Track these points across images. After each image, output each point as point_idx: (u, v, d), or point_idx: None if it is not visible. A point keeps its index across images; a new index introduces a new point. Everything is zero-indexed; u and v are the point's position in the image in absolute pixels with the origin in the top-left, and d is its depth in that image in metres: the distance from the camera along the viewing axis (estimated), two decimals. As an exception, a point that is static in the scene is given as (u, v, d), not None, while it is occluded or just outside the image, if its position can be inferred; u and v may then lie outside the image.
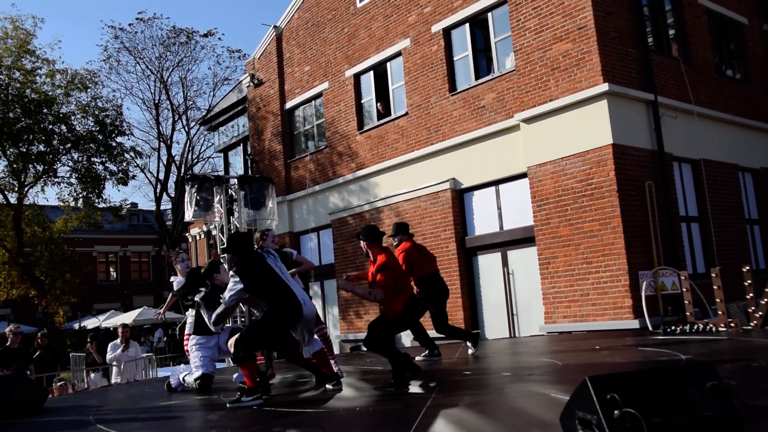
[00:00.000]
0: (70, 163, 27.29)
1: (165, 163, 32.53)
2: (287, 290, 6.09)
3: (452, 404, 5.25)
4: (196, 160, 34.40)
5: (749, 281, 9.65)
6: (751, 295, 9.65)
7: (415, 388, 6.19)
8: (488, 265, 13.78)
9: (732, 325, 9.75)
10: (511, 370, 7.32)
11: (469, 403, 5.28)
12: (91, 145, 27.09)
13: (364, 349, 9.16)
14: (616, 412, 2.93)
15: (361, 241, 6.87)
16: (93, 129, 27.31)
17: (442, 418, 4.67)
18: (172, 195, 33.05)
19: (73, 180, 27.46)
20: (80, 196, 28.17)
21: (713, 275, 10.04)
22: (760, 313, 9.49)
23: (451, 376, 7.15)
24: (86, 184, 27.33)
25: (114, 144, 27.95)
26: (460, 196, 14.31)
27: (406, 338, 14.67)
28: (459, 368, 7.88)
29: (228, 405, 6.01)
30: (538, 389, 5.60)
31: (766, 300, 9.42)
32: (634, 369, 4.40)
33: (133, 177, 31.01)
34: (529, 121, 12.47)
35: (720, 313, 9.90)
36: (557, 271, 11.90)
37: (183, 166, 32.64)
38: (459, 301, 13.78)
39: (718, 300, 9.94)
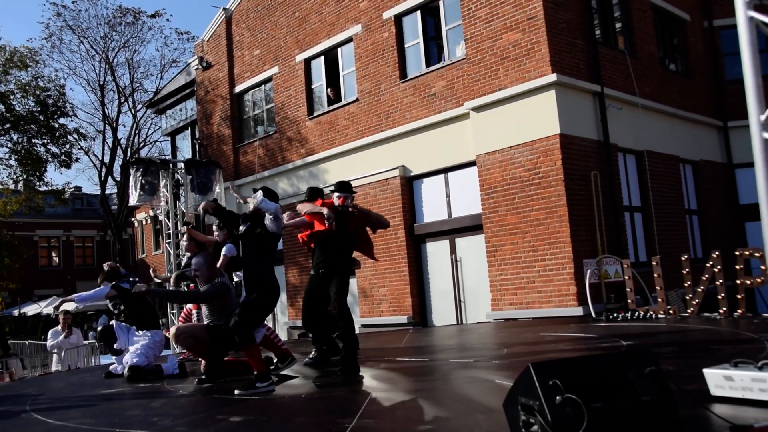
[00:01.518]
0: (9, 145, 26.36)
1: (110, 146, 31.70)
2: (272, 266, 6.04)
3: (398, 391, 5.25)
4: (142, 144, 33.62)
5: (687, 269, 9.92)
6: (688, 283, 9.93)
7: (360, 375, 6.17)
8: (436, 252, 13.84)
9: (671, 312, 10.02)
10: (457, 356, 7.36)
11: (415, 389, 5.29)
12: (31, 126, 26.21)
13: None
14: (558, 397, 2.96)
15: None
16: (34, 109, 26.41)
17: (387, 404, 4.66)
18: (118, 179, 32.22)
19: (12, 162, 26.55)
20: (20, 178, 27.28)
21: (654, 264, 10.29)
22: (697, 300, 9.77)
23: (397, 363, 7.15)
24: (27, 167, 26.47)
25: (56, 125, 27.10)
26: (409, 184, 14.31)
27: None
28: (405, 355, 7.89)
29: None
30: (483, 375, 5.64)
31: (702, 288, 9.71)
32: (576, 355, 4.47)
33: (77, 160, 30.15)
34: (478, 109, 12.53)
35: (660, 300, 10.16)
36: (504, 259, 12.02)
37: (129, 149, 31.85)
38: (407, 288, 13.81)
39: (658, 288, 10.19)
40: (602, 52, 12.72)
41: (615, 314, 10.28)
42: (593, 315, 10.62)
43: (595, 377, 3.17)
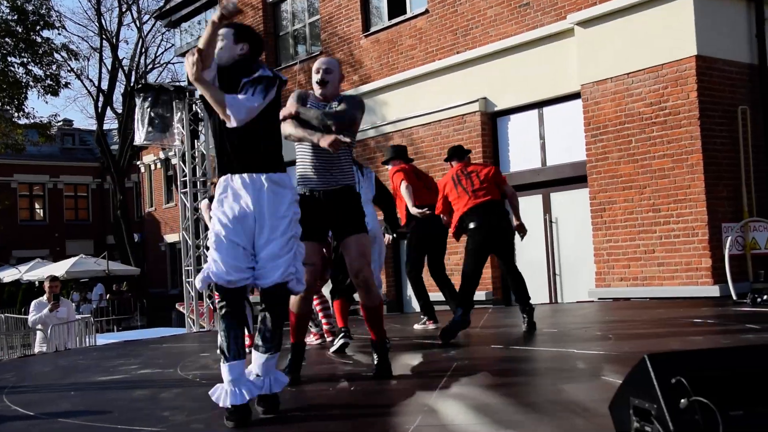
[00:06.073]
0: (-22, 65, 27.05)
1: (109, 68, 32.35)
2: None
3: (473, 385, 5.32)
4: (150, 66, 34.26)
5: None
6: None
7: (427, 365, 6.26)
8: (526, 210, 13.69)
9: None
10: (550, 344, 7.39)
11: (496, 383, 5.35)
12: (6, 39, 26.77)
13: None
14: (682, 401, 2.94)
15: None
16: (9, 18, 26.93)
17: (458, 402, 4.73)
18: (119, 111, 32.93)
19: (-18, 87, 27.27)
20: (-7, 108, 28.04)
21: (821, 231, 10.05)
22: None
23: (473, 351, 7.22)
24: (1, 93, 27.12)
25: (39, 40, 27.64)
26: (492, 121, 14.24)
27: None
28: (483, 341, 7.95)
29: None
30: (583, 369, 5.66)
31: None
32: (708, 347, 4.42)
33: (66, 85, 30.80)
34: (586, 24, 12.32)
35: (828, 280, 9.94)
36: (614, 221, 11.92)
37: (134, 73, 32.47)
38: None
39: (826, 263, 9.97)
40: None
41: (765, 297, 10.09)
42: (734, 297, 10.48)
43: (735, 377, 3.14)
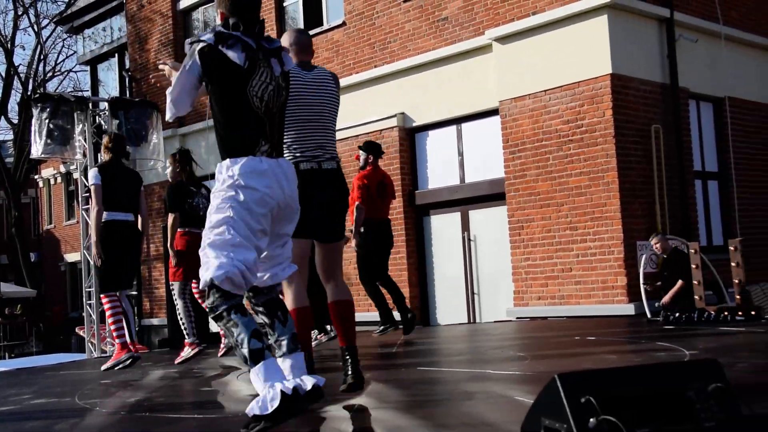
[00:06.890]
0: None
1: (3, 75, 31.46)
2: None
3: (388, 408, 5.35)
4: (50, 74, 33.41)
5: (777, 258, 10.00)
6: (778, 275, 10.00)
7: (340, 386, 6.25)
8: (444, 228, 13.91)
9: (752, 313, 10.08)
10: (466, 365, 7.47)
11: (408, 406, 5.39)
12: None
13: None
14: (591, 420, 3.03)
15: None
16: None
17: (373, 425, 4.76)
18: (15, 121, 32.04)
19: None
20: None
21: (732, 249, 10.34)
22: (789, 298, 9.86)
23: (387, 373, 7.25)
24: None
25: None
26: (410, 137, 14.34)
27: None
28: (399, 363, 7.99)
29: None
30: (498, 390, 5.73)
31: (796, 283, 9.78)
32: (619, 366, 4.55)
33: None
34: (504, 40, 12.53)
35: (738, 297, 10.24)
36: (532, 239, 12.12)
37: (31, 80, 31.63)
38: (404, 275, 13.89)
39: (736, 281, 10.25)
40: (673, -39, 12.69)
41: (677, 314, 10.36)
42: (648, 315, 10.74)
43: (642, 395, 3.23)
